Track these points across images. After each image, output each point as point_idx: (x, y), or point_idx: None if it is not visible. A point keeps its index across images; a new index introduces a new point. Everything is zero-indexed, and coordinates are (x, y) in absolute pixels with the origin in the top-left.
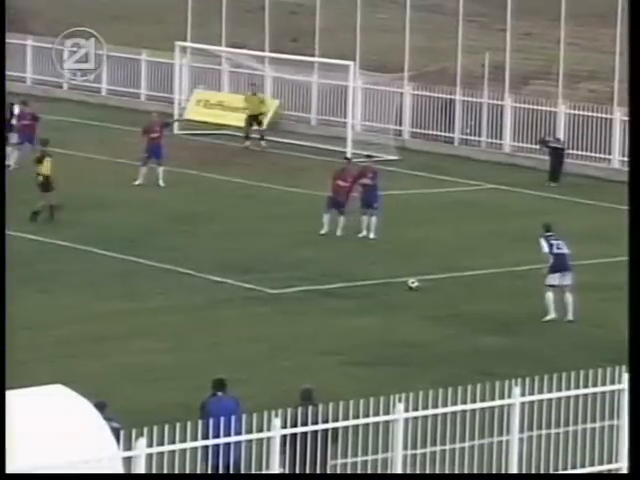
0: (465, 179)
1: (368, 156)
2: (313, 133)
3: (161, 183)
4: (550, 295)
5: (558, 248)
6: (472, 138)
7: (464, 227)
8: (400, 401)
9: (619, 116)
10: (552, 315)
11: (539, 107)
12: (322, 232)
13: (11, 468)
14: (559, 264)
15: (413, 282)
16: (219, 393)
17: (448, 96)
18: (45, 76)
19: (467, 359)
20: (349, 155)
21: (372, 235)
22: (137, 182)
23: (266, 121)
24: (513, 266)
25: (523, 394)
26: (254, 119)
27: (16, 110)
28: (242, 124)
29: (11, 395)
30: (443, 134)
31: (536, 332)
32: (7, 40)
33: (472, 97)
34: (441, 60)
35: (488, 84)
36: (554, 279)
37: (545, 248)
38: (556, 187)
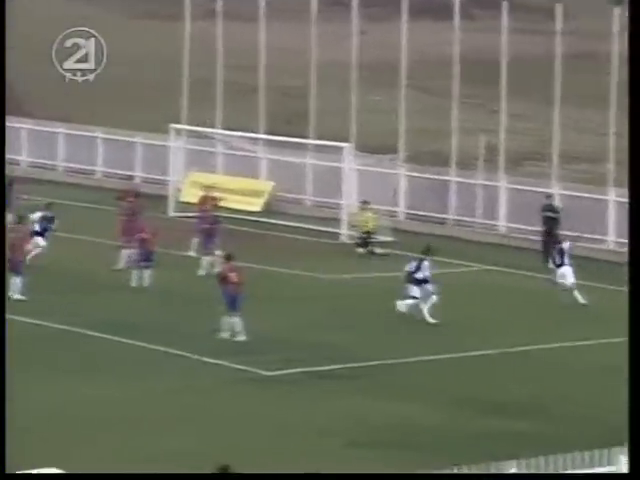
0: (459, 260)
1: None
2: (307, 215)
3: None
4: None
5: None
6: (466, 219)
7: (458, 308)
8: None
9: (613, 197)
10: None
11: (533, 188)
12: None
13: None
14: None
15: None
16: None
17: (443, 177)
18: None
19: (470, 442)
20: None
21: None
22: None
23: (261, 202)
24: (507, 347)
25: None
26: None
27: None
28: (235, 206)
29: None
30: (437, 215)
31: (538, 414)
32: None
33: (467, 178)
34: (436, 141)
35: (482, 165)
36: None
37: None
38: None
